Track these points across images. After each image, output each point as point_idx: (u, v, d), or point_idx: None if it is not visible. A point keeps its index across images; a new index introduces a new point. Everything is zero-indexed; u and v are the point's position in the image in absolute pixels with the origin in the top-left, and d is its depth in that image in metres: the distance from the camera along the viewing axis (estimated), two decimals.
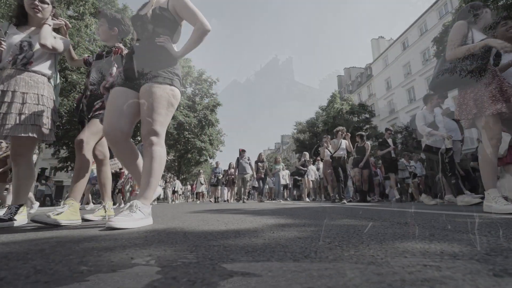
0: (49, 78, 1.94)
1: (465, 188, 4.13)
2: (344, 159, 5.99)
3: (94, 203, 8.03)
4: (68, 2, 10.68)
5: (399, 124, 21.95)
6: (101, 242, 0.93)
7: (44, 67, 1.91)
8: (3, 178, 4.63)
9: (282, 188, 10.12)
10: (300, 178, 9.75)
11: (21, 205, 1.80)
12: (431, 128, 3.87)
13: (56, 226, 1.61)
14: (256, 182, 9.55)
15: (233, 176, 9.37)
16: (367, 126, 22.66)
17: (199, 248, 0.80)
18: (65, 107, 11.29)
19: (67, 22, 2.11)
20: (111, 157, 2.88)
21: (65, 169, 14.99)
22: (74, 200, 1.84)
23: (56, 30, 2.04)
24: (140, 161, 1.75)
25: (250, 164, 8.33)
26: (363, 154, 6.64)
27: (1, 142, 4.66)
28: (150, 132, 1.58)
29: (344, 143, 6.01)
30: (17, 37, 1.83)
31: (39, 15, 1.89)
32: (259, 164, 8.74)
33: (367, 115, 23.60)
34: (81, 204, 6.52)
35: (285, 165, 11.35)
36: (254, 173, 8.55)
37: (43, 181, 14.00)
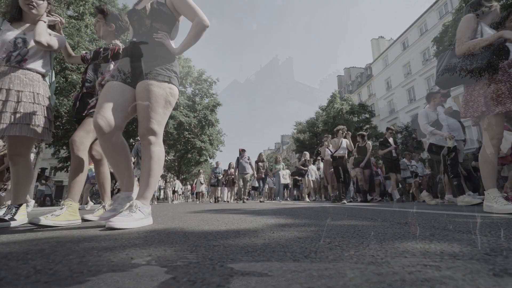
0: (44, 76, 1.90)
1: (467, 188, 4.10)
2: (345, 158, 5.91)
3: (94, 203, 8.02)
4: (68, 2, 10.69)
5: (399, 124, 21.96)
6: (101, 242, 0.93)
7: (39, 64, 1.86)
8: (0, 177, 4.63)
9: (282, 187, 10.11)
10: (300, 178, 9.74)
11: (20, 205, 1.79)
12: (435, 126, 3.80)
13: (55, 227, 1.60)
14: (256, 182, 9.55)
15: (233, 176, 9.36)
16: (367, 126, 22.65)
17: (199, 248, 0.80)
18: (65, 107, 11.28)
19: (62, 19, 2.05)
20: None
21: (65, 169, 15.00)
22: (72, 201, 1.83)
23: (51, 27, 2.00)
24: (129, 164, 1.64)
25: (250, 164, 8.32)
26: (364, 154, 6.59)
27: None
28: (148, 131, 1.56)
29: (345, 142, 5.94)
30: (11, 33, 1.79)
31: (34, 11, 1.84)
32: (260, 164, 8.72)
33: (367, 115, 23.60)
34: (80, 204, 6.51)
35: (285, 165, 11.35)
36: (255, 172, 8.53)
37: (43, 181, 14.00)
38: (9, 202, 4.34)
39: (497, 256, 0.61)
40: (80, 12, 11.14)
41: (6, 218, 1.68)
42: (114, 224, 1.30)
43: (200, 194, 12.93)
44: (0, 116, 1.64)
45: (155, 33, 1.63)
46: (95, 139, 2.09)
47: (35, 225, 1.55)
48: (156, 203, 11.15)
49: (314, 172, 9.23)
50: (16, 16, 1.86)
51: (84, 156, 1.95)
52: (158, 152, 1.59)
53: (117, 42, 2.18)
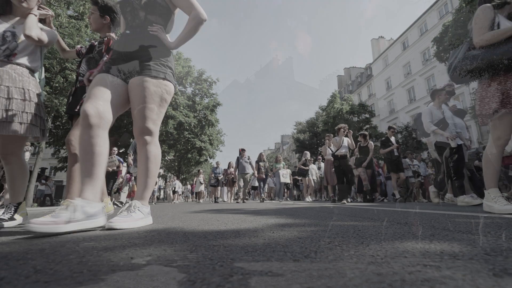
0: (33, 72, 1.83)
1: (470, 188, 4.04)
2: (347, 157, 5.81)
3: None
4: (68, 2, 10.68)
5: (399, 124, 21.97)
6: (101, 242, 0.93)
7: (29, 59, 1.79)
8: None
9: (283, 186, 10.09)
10: (300, 178, 9.73)
11: (20, 203, 1.79)
12: (440, 124, 3.70)
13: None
14: (256, 182, 9.54)
15: (232, 176, 9.35)
16: (367, 126, 22.66)
17: (199, 248, 0.80)
18: (65, 107, 11.28)
19: (52, 13, 1.98)
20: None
21: (65, 169, 14.99)
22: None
23: (42, 21, 1.92)
24: (103, 170, 1.39)
25: (250, 164, 8.31)
26: (366, 154, 6.54)
27: None
28: (143, 130, 1.51)
29: (346, 140, 5.85)
30: (0, 27, 1.71)
31: (24, 4, 1.76)
32: (260, 164, 8.69)
33: (367, 115, 23.60)
34: None
35: (285, 164, 11.34)
36: (255, 172, 8.51)
37: (43, 181, 14.02)
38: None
39: (497, 256, 0.61)
40: (80, 12, 11.13)
41: (5, 217, 1.68)
42: (114, 225, 1.30)
43: (200, 194, 12.93)
44: None
45: (150, 26, 1.55)
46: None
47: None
48: (154, 203, 11.15)
49: (314, 171, 9.22)
50: (5, 9, 1.78)
51: None
52: (155, 151, 1.56)
53: (112, 35, 2.10)
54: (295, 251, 0.72)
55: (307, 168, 8.84)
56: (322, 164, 9.30)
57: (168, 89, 1.57)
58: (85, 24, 11.22)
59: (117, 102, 1.48)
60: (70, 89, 2.19)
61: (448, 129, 3.71)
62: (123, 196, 8.19)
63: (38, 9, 1.85)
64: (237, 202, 7.81)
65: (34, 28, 1.72)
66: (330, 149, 6.37)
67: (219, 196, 11.13)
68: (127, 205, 1.48)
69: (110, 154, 7.21)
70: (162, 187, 23.99)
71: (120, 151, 13.90)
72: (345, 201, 5.33)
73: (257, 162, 8.70)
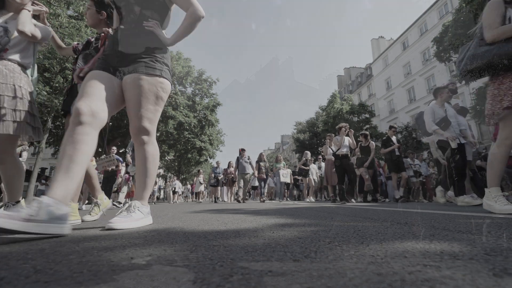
0: (26, 68, 1.79)
1: (472, 188, 4.00)
2: (348, 157, 5.72)
3: (87, 203, 7.98)
4: (68, 2, 10.69)
5: (399, 124, 21.97)
6: (101, 242, 0.93)
7: (21, 56, 1.74)
8: None
9: (283, 186, 10.07)
10: (300, 178, 9.71)
11: (18, 202, 1.78)
12: (442, 123, 3.64)
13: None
14: (256, 182, 9.52)
15: (232, 175, 9.34)
16: (367, 126, 22.67)
17: (199, 248, 0.80)
18: None
19: (47, 9, 1.94)
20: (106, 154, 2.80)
21: None
22: (71, 201, 1.82)
23: (36, 17, 1.88)
24: (83, 162, 1.23)
25: (250, 164, 8.29)
26: (367, 154, 6.48)
27: None
28: (139, 130, 1.48)
29: (347, 140, 5.78)
30: None
31: (18, 0, 1.72)
32: (261, 164, 8.64)
33: (367, 115, 23.61)
34: (80, 204, 6.49)
35: (286, 164, 11.33)
36: (256, 172, 8.49)
37: (43, 181, 14.00)
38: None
39: (497, 256, 0.61)
40: (80, 12, 11.13)
41: None
42: (113, 225, 1.29)
43: (200, 194, 12.93)
44: None
45: (145, 21, 1.49)
46: None
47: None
48: (154, 203, 11.15)
49: (315, 170, 9.19)
50: None
51: None
52: (153, 151, 1.54)
53: (109, 30, 2.07)
54: (295, 251, 0.72)
55: (307, 168, 8.82)
56: (323, 164, 9.28)
57: (164, 87, 1.52)
58: (85, 24, 11.23)
59: (112, 100, 1.41)
60: (67, 86, 2.15)
61: (451, 128, 3.65)
62: (122, 196, 8.18)
63: (32, 5, 1.81)
64: (237, 202, 7.80)
65: (28, 24, 1.67)
66: (331, 148, 6.34)
67: (219, 196, 11.13)
68: (126, 205, 1.47)
69: (109, 153, 7.20)
70: (162, 187, 24.00)
71: (120, 151, 13.90)
72: (345, 201, 5.32)
73: (258, 162, 8.67)
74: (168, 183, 15.01)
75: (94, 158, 7.19)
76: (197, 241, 0.93)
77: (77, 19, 11.20)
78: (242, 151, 8.41)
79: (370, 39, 35.51)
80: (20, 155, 5.13)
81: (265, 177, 8.75)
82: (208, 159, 21.88)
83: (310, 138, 27.33)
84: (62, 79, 11.30)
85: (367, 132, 6.76)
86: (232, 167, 9.38)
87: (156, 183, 19.70)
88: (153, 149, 1.54)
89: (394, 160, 6.18)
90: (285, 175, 9.44)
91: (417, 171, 7.79)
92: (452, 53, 13.48)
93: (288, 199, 11.94)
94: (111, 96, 1.40)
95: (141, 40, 1.48)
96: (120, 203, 7.68)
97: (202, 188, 12.78)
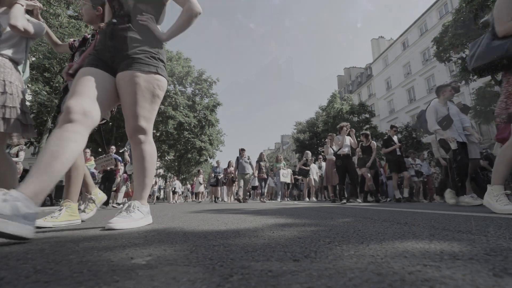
0: (17, 64, 1.74)
1: (474, 188, 3.95)
2: (349, 156, 5.63)
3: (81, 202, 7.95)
4: (68, 2, 10.68)
5: (399, 124, 21.97)
6: (101, 242, 0.93)
7: (13, 51, 1.69)
8: None
9: (283, 186, 10.05)
10: (300, 177, 9.68)
11: None
12: (445, 121, 3.59)
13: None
14: (256, 182, 9.50)
15: (232, 175, 9.33)
16: (367, 126, 22.66)
17: (199, 248, 0.80)
18: None
19: (41, 5, 1.90)
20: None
21: None
22: (70, 202, 1.80)
23: (30, 12, 1.84)
24: (66, 161, 1.11)
25: (250, 164, 8.27)
26: (368, 154, 6.42)
27: None
28: (136, 130, 1.44)
29: (349, 139, 5.71)
30: None
31: None
32: (261, 163, 8.59)
33: (367, 115, 23.61)
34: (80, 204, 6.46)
35: (286, 164, 11.30)
36: (255, 172, 8.47)
37: None
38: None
39: (497, 256, 0.61)
40: (80, 12, 11.12)
41: None
42: (113, 225, 1.29)
43: (200, 194, 12.92)
44: None
45: (139, 15, 1.43)
46: None
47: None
48: (154, 203, 11.15)
49: (315, 170, 9.17)
50: None
51: (79, 155, 1.85)
52: (150, 151, 1.50)
53: (101, 25, 2.05)
54: (295, 251, 0.72)
55: (307, 168, 8.78)
56: (323, 164, 9.26)
57: (161, 84, 1.47)
58: (85, 24, 11.23)
59: (105, 98, 1.34)
60: (62, 84, 2.12)
61: (453, 126, 3.59)
62: (120, 196, 8.16)
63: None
64: (238, 202, 7.80)
65: (20, 18, 1.63)
66: (332, 148, 6.31)
67: (219, 196, 11.12)
68: (126, 205, 1.47)
69: (108, 152, 7.18)
70: (162, 187, 24.00)
71: (120, 151, 13.89)
72: (345, 201, 5.31)
73: (258, 161, 8.63)
74: (168, 183, 15.00)
75: (92, 158, 7.19)
76: (197, 241, 0.93)
77: (77, 19, 11.19)
78: (242, 151, 8.39)
79: (370, 39, 35.54)
80: (17, 155, 5.13)
81: (265, 176, 8.71)
82: (208, 159, 21.88)
83: (310, 138, 27.33)
84: (62, 79, 11.30)
85: (368, 132, 6.68)
86: (232, 166, 9.36)
87: (156, 183, 19.73)
88: (150, 148, 1.50)
89: (395, 160, 6.14)
90: (285, 175, 9.40)
91: (418, 171, 7.75)
92: (452, 53, 13.48)
93: (288, 199, 11.94)
94: (104, 94, 1.34)
95: (135, 35, 1.42)
96: (119, 204, 7.67)
97: (202, 188, 12.78)
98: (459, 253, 0.65)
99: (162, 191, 23.81)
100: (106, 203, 7.08)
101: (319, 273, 0.51)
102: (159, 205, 8.48)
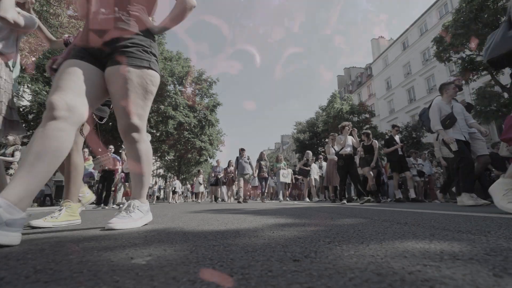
0: (7, 59, 1.68)
1: (478, 187, 3.89)
2: (352, 156, 5.53)
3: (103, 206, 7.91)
4: (68, 2, 10.67)
5: (399, 124, 21.97)
6: (101, 242, 0.93)
7: (3, 44, 1.64)
8: None
9: (283, 186, 10.03)
10: (299, 177, 9.65)
11: None
12: (448, 120, 3.50)
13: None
14: (256, 182, 9.47)
15: (232, 175, 9.31)
16: (367, 126, 22.66)
17: (199, 248, 0.80)
18: None
19: None
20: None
21: None
22: (70, 202, 1.79)
23: (21, 5, 1.79)
24: (52, 162, 1.04)
25: (250, 164, 8.25)
26: (370, 153, 6.33)
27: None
28: (129, 127, 1.37)
29: (351, 139, 5.61)
30: None
31: None
32: (262, 162, 8.53)
33: (367, 115, 23.61)
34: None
35: (287, 164, 11.28)
36: (255, 172, 8.44)
37: None
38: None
39: (497, 256, 0.61)
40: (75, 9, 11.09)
41: None
42: (113, 225, 1.28)
43: (200, 194, 12.91)
44: None
45: (130, 5, 1.35)
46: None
47: (34, 227, 1.53)
48: (154, 203, 11.15)
49: (316, 170, 9.15)
50: None
51: (78, 155, 1.85)
52: (145, 149, 1.45)
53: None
54: (295, 251, 0.72)
55: (308, 168, 8.74)
56: (324, 164, 9.24)
57: (154, 80, 1.40)
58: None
59: (92, 93, 1.25)
60: None
61: (457, 125, 3.51)
62: (119, 196, 8.14)
63: None
64: (238, 202, 7.79)
65: (10, 10, 1.58)
66: (334, 148, 6.27)
67: (219, 196, 11.11)
68: (125, 205, 1.45)
69: (107, 152, 7.16)
70: (162, 187, 24.00)
71: (120, 151, 13.88)
72: (345, 201, 5.31)
73: (259, 160, 8.59)
74: (168, 183, 14.99)
75: (91, 158, 7.18)
76: (197, 241, 0.93)
77: (77, 19, 11.19)
78: (241, 151, 8.37)
79: (370, 39, 35.54)
80: (13, 155, 5.13)
81: (266, 176, 8.66)
82: (208, 159, 21.88)
83: (310, 138, 27.32)
84: None
85: (369, 131, 6.58)
86: (232, 166, 9.34)
87: (156, 183, 19.75)
88: (145, 146, 1.45)
89: (397, 160, 6.09)
90: (285, 175, 9.38)
91: (420, 170, 7.72)
92: (452, 53, 13.49)
93: (288, 199, 11.94)
94: (90, 87, 1.25)
95: (125, 26, 1.34)
96: (118, 204, 7.66)
97: (201, 188, 12.76)
98: (459, 253, 0.65)
99: (162, 191, 23.81)
100: (106, 203, 7.08)
101: (319, 273, 0.51)
102: (159, 205, 8.48)
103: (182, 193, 16.92)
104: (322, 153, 11.02)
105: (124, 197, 8.15)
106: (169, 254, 0.72)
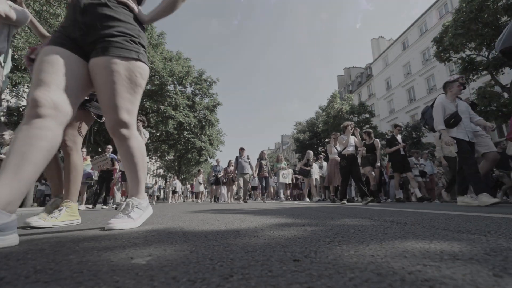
0: None
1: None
2: (355, 156, 5.48)
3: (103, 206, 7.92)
4: (68, 2, 10.68)
5: (399, 124, 21.97)
6: (101, 242, 0.93)
7: None
8: None
9: (283, 187, 10.02)
10: (300, 177, 9.62)
11: None
12: (452, 118, 3.44)
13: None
14: (256, 182, 9.44)
15: (232, 175, 9.29)
16: (367, 126, 22.66)
17: (199, 248, 0.80)
18: None
19: None
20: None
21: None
22: (70, 202, 1.79)
23: (13, 0, 1.75)
24: (38, 162, 0.99)
25: (250, 163, 8.23)
26: (371, 152, 6.29)
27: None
28: (118, 123, 1.28)
29: (353, 139, 5.57)
30: None
31: None
32: (262, 162, 8.49)
33: (367, 115, 23.61)
34: (79, 204, 6.47)
35: (287, 164, 11.25)
36: (254, 172, 8.41)
37: (43, 181, 14.01)
38: None
39: (497, 256, 0.61)
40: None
41: None
42: (113, 226, 1.28)
43: (200, 194, 12.90)
44: None
45: None
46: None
47: (33, 227, 1.53)
48: (155, 203, 11.14)
49: (316, 170, 9.14)
50: None
51: (78, 155, 1.84)
52: (137, 146, 1.38)
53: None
54: (295, 251, 0.72)
55: (309, 168, 8.71)
56: (324, 164, 9.22)
57: (143, 72, 1.31)
58: None
59: (75, 86, 1.16)
60: None
61: (462, 124, 3.45)
62: (118, 196, 8.13)
63: None
64: (238, 202, 7.79)
65: (1, 3, 1.54)
66: (336, 148, 6.24)
67: (219, 195, 11.09)
68: (124, 204, 1.43)
69: (105, 152, 7.14)
70: (162, 187, 23.99)
71: None
72: (345, 201, 5.30)
73: (259, 159, 8.55)
74: (168, 183, 14.98)
75: (88, 158, 7.17)
76: (197, 241, 0.93)
77: None
78: (241, 150, 8.36)
79: (370, 39, 35.52)
80: None
81: (266, 175, 8.63)
82: (208, 159, 21.87)
83: (310, 138, 27.34)
84: None
85: (371, 130, 6.53)
86: (232, 166, 9.33)
87: (156, 183, 19.74)
88: (137, 143, 1.37)
89: (399, 160, 6.03)
90: (285, 176, 9.36)
91: (422, 170, 7.70)
92: (452, 53, 13.48)
93: (289, 198, 11.94)
94: (74, 81, 1.15)
95: (112, 13, 1.24)
96: (118, 204, 7.65)
97: (201, 188, 12.75)
98: (459, 253, 0.65)
99: (162, 191, 23.81)
100: (105, 203, 7.07)
101: (319, 273, 0.51)
102: (159, 205, 8.47)
103: (182, 193, 16.91)
104: (322, 153, 10.99)
105: (122, 197, 8.13)
106: (169, 254, 0.72)
